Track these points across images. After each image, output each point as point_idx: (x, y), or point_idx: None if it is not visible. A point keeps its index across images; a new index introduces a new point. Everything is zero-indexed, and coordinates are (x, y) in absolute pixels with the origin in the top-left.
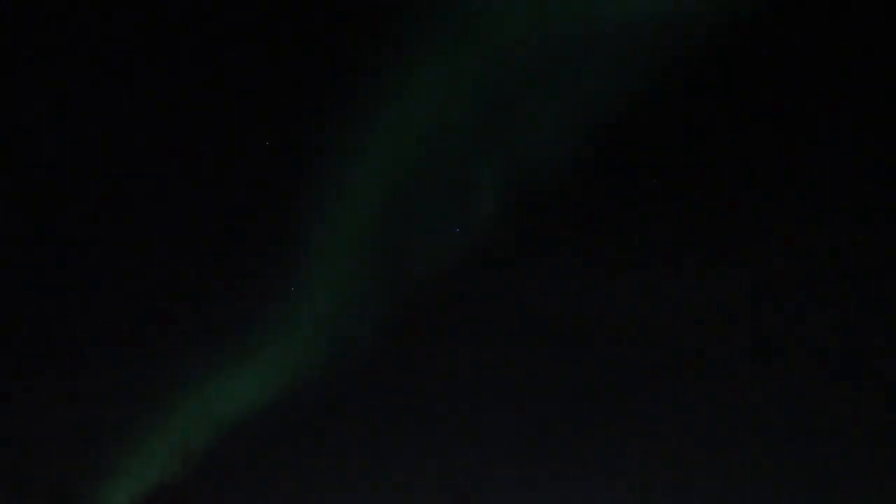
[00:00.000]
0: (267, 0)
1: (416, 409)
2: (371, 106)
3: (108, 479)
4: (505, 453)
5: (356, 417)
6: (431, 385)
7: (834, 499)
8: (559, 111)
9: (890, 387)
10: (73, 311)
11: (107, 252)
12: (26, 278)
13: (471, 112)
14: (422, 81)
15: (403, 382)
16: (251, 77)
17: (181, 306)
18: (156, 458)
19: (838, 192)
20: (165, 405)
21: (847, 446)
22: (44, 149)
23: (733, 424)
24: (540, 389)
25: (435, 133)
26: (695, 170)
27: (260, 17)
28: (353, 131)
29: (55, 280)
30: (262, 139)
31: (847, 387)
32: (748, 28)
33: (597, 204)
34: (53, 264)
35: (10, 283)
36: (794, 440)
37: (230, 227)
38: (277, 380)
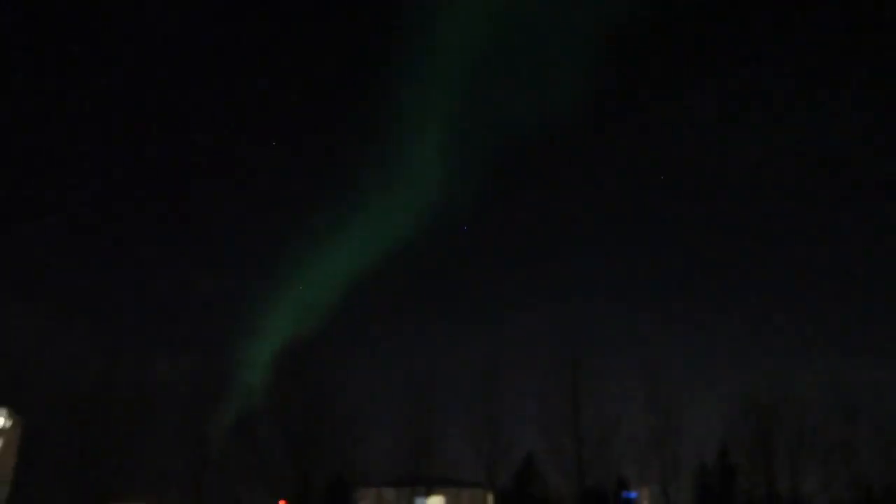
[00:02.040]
0: None
1: (522, 255)
2: None
3: (252, 336)
4: (606, 293)
5: (465, 268)
6: (530, 236)
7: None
8: None
9: None
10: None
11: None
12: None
13: None
14: None
15: (505, 234)
16: None
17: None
18: (290, 316)
19: None
20: (296, 267)
21: None
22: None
23: None
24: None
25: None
26: None
27: None
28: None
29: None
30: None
31: None
32: None
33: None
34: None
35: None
36: None
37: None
38: (392, 235)
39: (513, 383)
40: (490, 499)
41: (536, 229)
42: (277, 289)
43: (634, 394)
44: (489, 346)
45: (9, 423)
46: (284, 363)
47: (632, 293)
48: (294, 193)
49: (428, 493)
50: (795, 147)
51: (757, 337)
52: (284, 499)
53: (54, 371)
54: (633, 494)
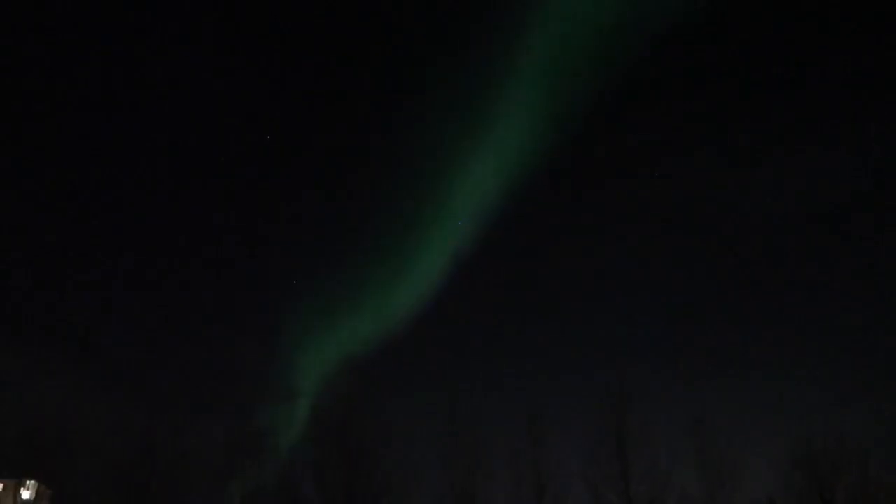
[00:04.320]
0: None
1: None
2: None
3: (289, 396)
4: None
5: (504, 320)
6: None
7: None
8: None
9: None
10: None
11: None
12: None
13: None
14: None
15: (544, 284)
16: None
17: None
18: (327, 372)
19: None
20: (329, 322)
21: None
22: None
23: None
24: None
25: None
26: None
27: None
28: None
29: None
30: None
31: None
32: None
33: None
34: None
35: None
36: None
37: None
38: (423, 289)
39: (557, 439)
40: None
41: (576, 279)
42: (311, 348)
43: (682, 448)
44: (533, 401)
45: (32, 496)
46: (323, 420)
47: (676, 343)
48: (313, 253)
49: None
50: (819, 186)
51: (810, 383)
52: None
53: (91, 438)
54: None
